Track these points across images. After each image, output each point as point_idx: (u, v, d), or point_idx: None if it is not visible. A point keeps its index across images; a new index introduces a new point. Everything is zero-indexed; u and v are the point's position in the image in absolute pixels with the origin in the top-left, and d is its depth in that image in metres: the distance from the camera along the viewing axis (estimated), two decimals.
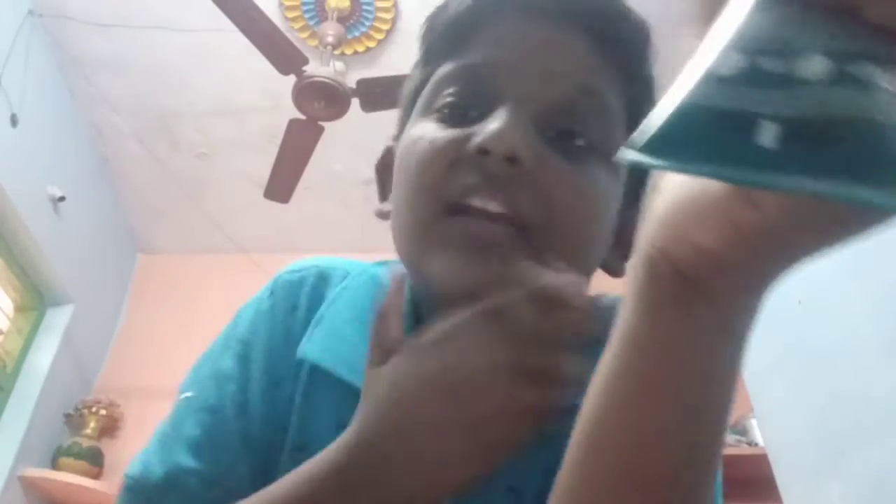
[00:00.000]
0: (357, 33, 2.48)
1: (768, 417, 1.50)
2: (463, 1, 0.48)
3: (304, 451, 0.43)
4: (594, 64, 0.46)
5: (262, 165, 2.54)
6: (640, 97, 0.47)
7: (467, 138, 0.43)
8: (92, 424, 2.62)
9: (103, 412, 2.65)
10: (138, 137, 2.81)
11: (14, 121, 2.30)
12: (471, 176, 0.43)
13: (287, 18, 2.44)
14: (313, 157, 2.38)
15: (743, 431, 2.46)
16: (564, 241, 0.44)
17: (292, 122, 2.31)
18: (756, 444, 2.32)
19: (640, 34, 0.50)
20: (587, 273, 0.48)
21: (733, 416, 2.79)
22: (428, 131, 0.45)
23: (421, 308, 0.48)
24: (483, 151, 0.42)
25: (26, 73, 2.36)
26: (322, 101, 2.17)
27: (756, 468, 1.78)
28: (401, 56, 2.55)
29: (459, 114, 0.45)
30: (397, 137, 0.53)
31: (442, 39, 0.49)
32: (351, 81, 2.22)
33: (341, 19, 2.38)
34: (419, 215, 0.45)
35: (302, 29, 2.46)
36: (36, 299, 2.68)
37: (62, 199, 2.57)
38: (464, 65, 0.46)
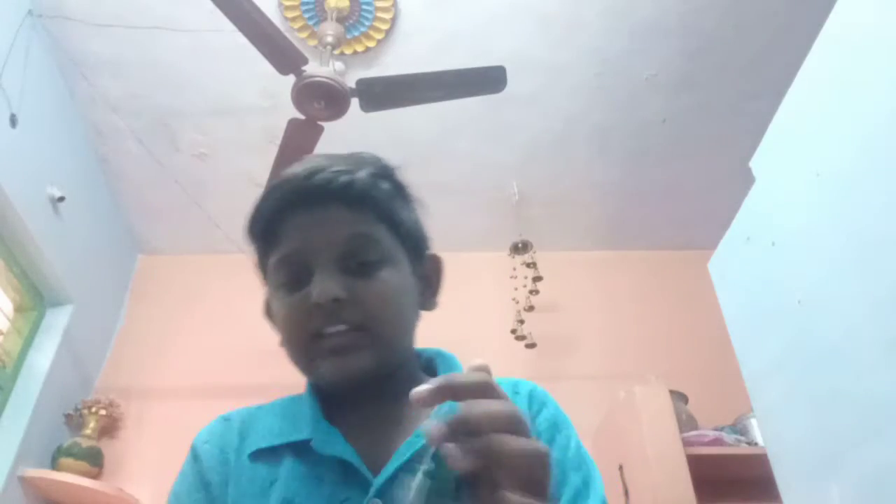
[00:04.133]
0: (357, 33, 2.48)
1: (768, 417, 1.50)
2: (260, 216, 0.76)
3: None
4: (354, 218, 0.73)
5: (262, 165, 2.54)
6: (394, 213, 0.76)
7: (307, 297, 0.70)
8: (92, 424, 2.62)
9: (103, 412, 2.64)
10: (138, 137, 2.81)
11: (13, 121, 2.30)
12: (318, 318, 0.69)
13: (286, 18, 2.44)
14: None
15: (743, 431, 2.46)
16: (384, 321, 0.72)
17: (292, 122, 2.31)
18: (756, 444, 2.32)
19: (375, 182, 0.75)
20: (411, 324, 0.77)
21: (733, 415, 2.79)
22: (284, 302, 0.73)
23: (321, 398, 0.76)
24: (317, 305, 0.69)
25: (26, 73, 2.36)
26: (322, 101, 2.16)
27: (756, 468, 1.78)
28: (400, 56, 2.55)
29: (295, 283, 0.72)
30: (269, 296, 0.78)
31: (261, 240, 0.77)
32: (351, 81, 2.22)
33: (341, 19, 2.38)
34: (299, 347, 0.72)
35: (301, 29, 2.46)
36: (36, 299, 2.68)
37: (62, 199, 2.57)
38: (282, 256, 0.73)
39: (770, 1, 2.45)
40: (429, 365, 0.82)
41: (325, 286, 0.69)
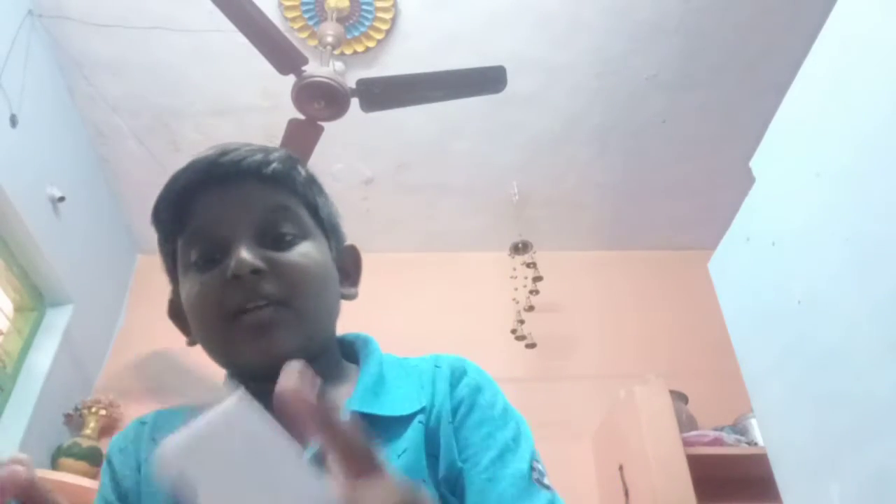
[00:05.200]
0: (357, 33, 2.48)
1: (768, 417, 1.50)
2: (168, 196, 0.71)
3: None
4: (272, 192, 0.70)
5: None
6: (311, 196, 0.74)
7: (223, 272, 0.65)
8: (92, 424, 2.62)
9: (103, 412, 2.65)
10: (138, 137, 2.81)
11: (14, 121, 2.30)
12: (237, 293, 0.65)
13: (286, 18, 2.44)
14: (313, 157, 2.38)
15: (743, 431, 2.46)
16: (306, 295, 0.68)
17: (292, 122, 2.31)
18: (756, 444, 2.32)
19: (291, 164, 0.73)
20: (333, 306, 0.73)
21: (733, 415, 2.79)
22: (196, 280, 0.68)
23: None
24: (236, 276, 0.64)
25: (26, 74, 2.36)
26: (322, 101, 2.16)
27: (756, 468, 1.78)
28: (400, 56, 2.55)
29: (208, 261, 0.68)
30: (174, 294, 0.75)
31: (169, 222, 0.72)
32: (351, 81, 2.22)
33: (341, 19, 2.38)
34: (216, 329, 0.67)
35: (301, 29, 2.46)
36: (36, 299, 2.68)
37: (62, 199, 2.57)
38: (194, 229, 0.69)
39: (770, 1, 2.45)
40: (350, 350, 0.78)
41: (241, 257, 0.64)
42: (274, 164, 0.71)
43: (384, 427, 0.67)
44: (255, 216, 0.68)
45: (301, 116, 2.26)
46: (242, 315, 0.65)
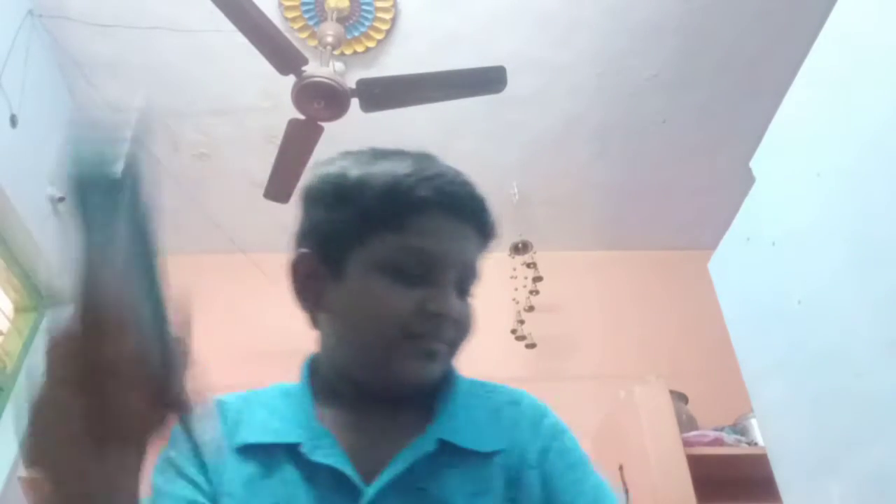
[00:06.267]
0: (357, 33, 2.48)
1: (768, 417, 1.50)
2: (407, 190, 0.70)
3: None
4: (477, 249, 0.75)
5: (262, 165, 2.54)
6: (482, 257, 0.77)
7: (425, 301, 0.69)
8: None
9: None
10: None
11: (14, 121, 2.30)
12: (426, 323, 0.69)
13: (286, 18, 2.44)
14: (313, 157, 2.38)
15: (743, 431, 2.46)
16: (463, 346, 0.74)
17: (292, 122, 2.31)
18: (756, 444, 2.32)
19: (493, 221, 0.76)
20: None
21: (733, 415, 2.78)
22: (390, 287, 0.69)
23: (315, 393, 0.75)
24: (439, 315, 0.69)
25: (26, 74, 2.36)
26: (322, 101, 2.16)
27: (756, 468, 1.78)
28: (400, 56, 2.55)
29: (406, 277, 0.69)
30: (313, 247, 0.75)
31: (385, 212, 0.70)
32: (351, 81, 2.22)
33: (341, 19, 2.38)
34: (387, 339, 0.69)
35: (301, 29, 2.46)
36: (36, 299, 2.68)
37: (62, 199, 2.57)
38: (414, 246, 0.70)
39: (770, 1, 2.45)
40: None
41: (454, 302, 0.71)
42: (493, 227, 0.76)
43: (461, 458, 0.69)
44: (465, 265, 0.73)
45: (301, 116, 2.26)
46: (419, 339, 0.70)
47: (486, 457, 0.69)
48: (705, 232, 2.74)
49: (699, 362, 2.76)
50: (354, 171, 0.73)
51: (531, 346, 2.77)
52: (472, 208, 0.74)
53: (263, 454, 0.69)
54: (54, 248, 2.59)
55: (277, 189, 2.50)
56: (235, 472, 0.68)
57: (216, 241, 3.06)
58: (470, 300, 0.75)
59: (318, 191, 0.76)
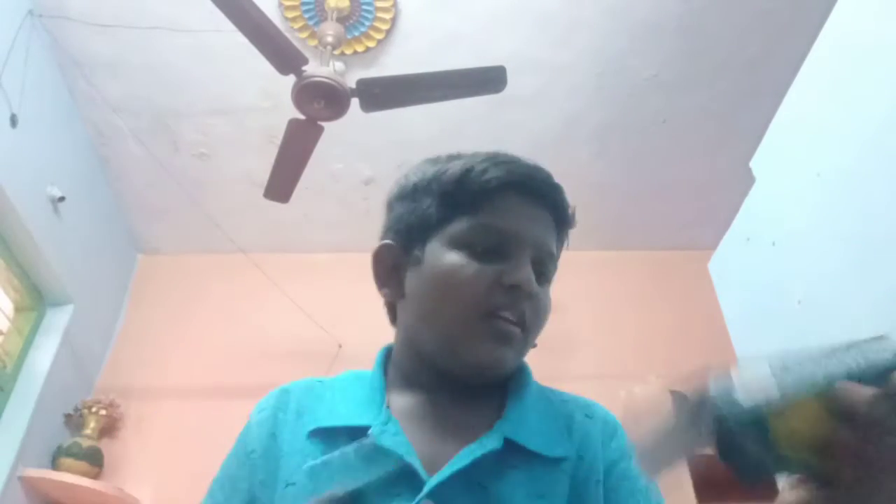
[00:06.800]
0: (357, 33, 2.48)
1: None
2: (481, 172, 0.74)
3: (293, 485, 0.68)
4: (554, 233, 0.77)
5: (262, 165, 2.54)
6: (561, 247, 0.80)
7: (500, 274, 0.70)
8: (92, 424, 2.62)
9: (103, 412, 2.64)
10: (138, 137, 2.81)
11: (14, 121, 2.30)
12: (502, 297, 0.70)
13: (286, 18, 2.44)
14: (313, 157, 2.38)
15: None
16: (538, 331, 0.75)
17: (292, 122, 2.31)
18: None
19: (569, 207, 0.79)
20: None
21: None
22: (465, 262, 0.71)
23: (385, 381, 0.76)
24: (516, 287, 0.70)
25: (26, 74, 2.36)
26: (322, 101, 2.16)
27: None
28: (400, 56, 2.55)
29: (483, 254, 0.71)
30: (394, 238, 0.78)
31: (459, 195, 0.74)
32: (351, 81, 2.22)
33: (341, 19, 2.38)
34: (464, 314, 0.70)
35: (301, 29, 2.46)
36: (36, 299, 2.68)
37: (62, 199, 2.57)
38: (491, 224, 0.72)
39: (770, 1, 2.45)
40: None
41: (530, 277, 0.71)
42: (570, 212, 0.78)
43: (526, 459, 0.68)
44: (541, 247, 0.74)
45: (301, 116, 2.26)
46: (495, 319, 0.70)
47: (552, 462, 0.69)
48: (705, 232, 2.74)
49: (699, 362, 2.76)
50: (431, 169, 0.78)
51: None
52: (545, 191, 0.76)
53: (329, 437, 0.70)
54: (54, 248, 2.59)
55: (277, 189, 2.50)
56: (298, 461, 0.69)
57: (216, 241, 3.05)
58: (548, 288, 0.76)
59: (401, 187, 0.80)
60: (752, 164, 1.53)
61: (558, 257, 0.79)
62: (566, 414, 0.75)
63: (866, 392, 0.42)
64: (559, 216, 0.77)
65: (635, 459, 0.71)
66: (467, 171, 0.75)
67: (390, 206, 0.81)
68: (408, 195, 0.78)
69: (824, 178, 1.24)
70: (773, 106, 1.46)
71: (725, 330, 1.63)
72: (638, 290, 3.19)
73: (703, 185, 3.05)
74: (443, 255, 0.72)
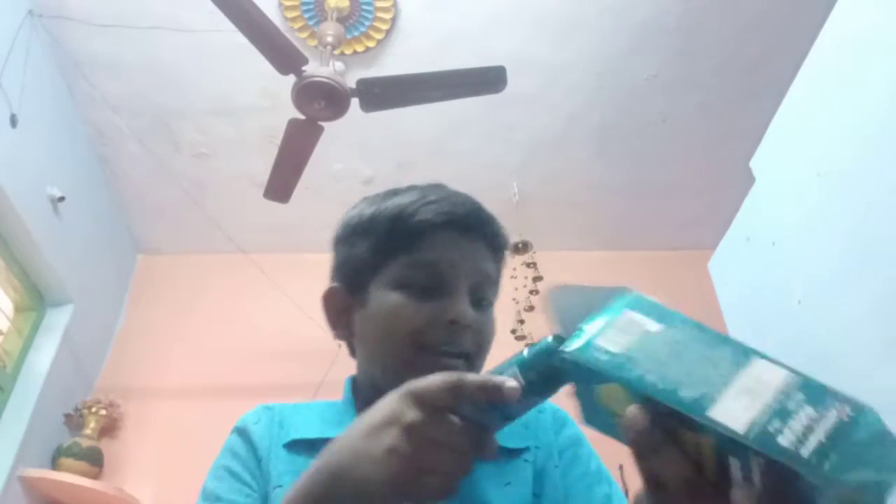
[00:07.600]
0: (357, 33, 2.48)
1: None
2: (411, 214, 0.77)
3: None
4: (489, 259, 0.79)
5: (262, 165, 2.54)
6: (502, 266, 0.83)
7: (439, 310, 0.73)
8: (92, 424, 2.62)
9: (103, 412, 2.65)
10: (138, 137, 2.81)
11: (14, 121, 2.30)
12: (443, 333, 0.73)
13: (286, 18, 2.44)
14: (313, 157, 2.38)
15: None
16: (484, 356, 0.76)
17: (292, 122, 2.31)
18: None
19: (502, 233, 0.82)
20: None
21: None
22: (405, 302, 0.74)
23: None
24: (453, 322, 0.73)
25: (26, 74, 2.36)
26: (322, 101, 2.16)
27: None
28: (400, 56, 2.55)
29: (421, 291, 0.74)
30: (345, 291, 0.81)
31: (394, 237, 0.77)
32: (351, 81, 2.22)
33: (341, 19, 2.38)
34: (406, 351, 0.73)
35: (301, 29, 2.46)
36: (36, 299, 2.68)
37: (62, 199, 2.57)
38: (422, 260, 0.75)
39: (770, 1, 2.46)
40: None
41: (466, 310, 0.74)
42: (503, 236, 0.82)
43: None
44: (477, 275, 0.77)
45: (301, 116, 2.26)
46: (437, 355, 0.73)
47: (515, 452, 0.75)
48: (705, 232, 2.74)
49: None
50: (368, 210, 0.81)
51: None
52: (476, 223, 0.79)
53: (310, 449, 0.73)
54: (54, 248, 2.59)
55: (277, 189, 2.50)
56: (285, 467, 0.74)
57: (216, 241, 3.06)
58: (490, 312, 0.78)
59: (341, 231, 0.84)
60: (752, 163, 1.53)
61: (498, 278, 0.82)
62: None
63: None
64: (491, 242, 0.80)
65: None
66: (398, 214, 0.78)
67: (335, 248, 0.85)
68: (348, 239, 0.82)
69: (824, 178, 1.24)
70: (773, 106, 1.46)
71: (725, 330, 1.63)
72: (638, 290, 3.19)
73: (703, 185, 3.05)
74: (384, 296, 0.76)
